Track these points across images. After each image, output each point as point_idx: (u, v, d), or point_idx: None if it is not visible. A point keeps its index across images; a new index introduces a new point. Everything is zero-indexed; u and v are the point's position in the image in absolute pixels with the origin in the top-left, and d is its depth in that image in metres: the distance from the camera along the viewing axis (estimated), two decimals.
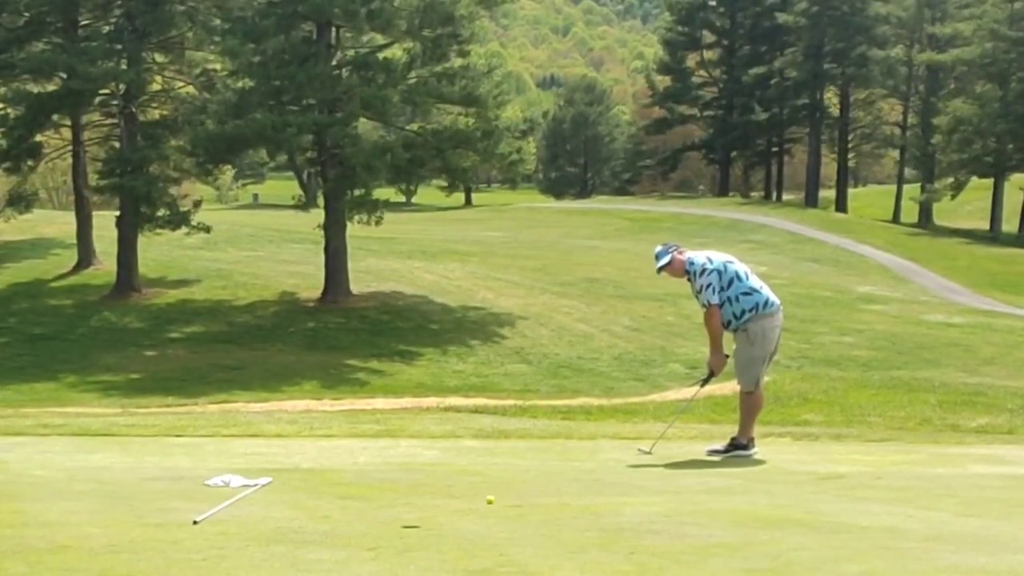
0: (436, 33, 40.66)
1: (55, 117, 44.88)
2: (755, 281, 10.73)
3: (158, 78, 46.98)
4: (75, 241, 46.83)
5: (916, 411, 23.00)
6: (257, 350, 37.00)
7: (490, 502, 7.41)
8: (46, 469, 9.33)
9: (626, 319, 41.01)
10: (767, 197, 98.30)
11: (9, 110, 44.09)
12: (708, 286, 10.51)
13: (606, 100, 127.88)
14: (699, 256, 10.75)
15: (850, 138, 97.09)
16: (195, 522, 6.89)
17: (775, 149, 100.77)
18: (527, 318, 40.46)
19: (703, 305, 10.60)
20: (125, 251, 43.49)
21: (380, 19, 39.80)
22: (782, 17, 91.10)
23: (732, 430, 11.18)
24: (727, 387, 28.46)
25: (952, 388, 27.79)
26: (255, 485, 8.26)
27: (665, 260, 10.71)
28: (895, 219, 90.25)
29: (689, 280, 10.72)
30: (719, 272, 10.56)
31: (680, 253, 10.79)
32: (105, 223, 45.24)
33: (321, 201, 44.82)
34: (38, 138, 45.24)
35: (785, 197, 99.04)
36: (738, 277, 10.60)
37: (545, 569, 5.75)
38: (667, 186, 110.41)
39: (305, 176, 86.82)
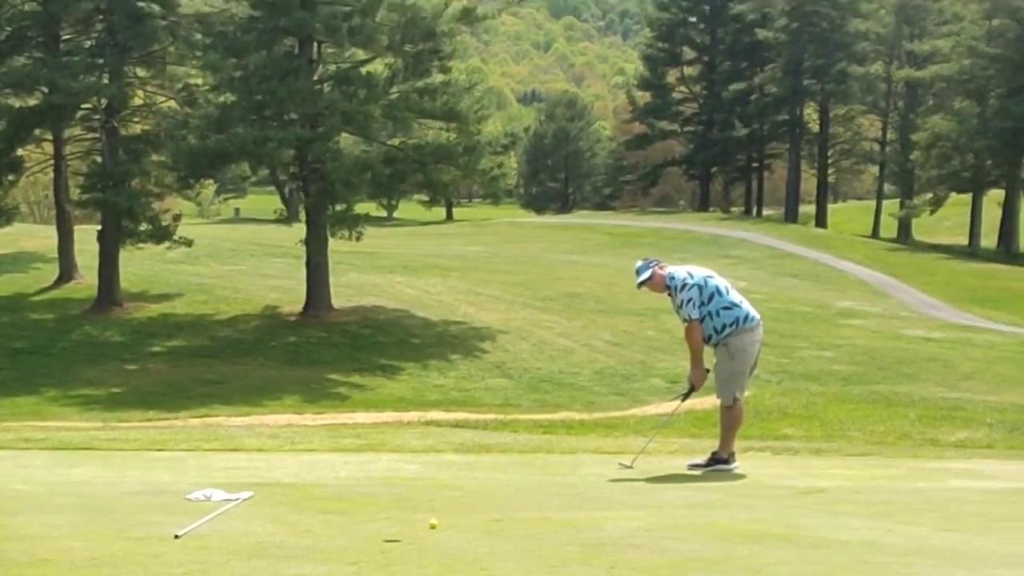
0: (417, 49, 40.69)
1: (37, 131, 44.72)
2: (735, 296, 10.79)
3: (140, 93, 46.85)
4: (56, 255, 46.64)
5: (896, 426, 23.03)
6: (238, 364, 36.92)
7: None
8: (27, 483, 9.31)
9: (607, 334, 41.06)
10: (747, 212, 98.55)
11: None
12: (689, 301, 10.53)
13: (587, 115, 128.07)
14: (679, 271, 10.80)
15: (830, 154, 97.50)
16: (176, 536, 6.89)
17: (755, 165, 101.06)
18: (508, 332, 40.47)
19: (684, 320, 10.62)
20: (107, 265, 43.35)
21: (361, 35, 39.84)
22: (762, 33, 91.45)
23: (713, 444, 11.21)
24: (707, 401, 28.50)
25: (931, 403, 27.83)
26: (236, 499, 8.26)
27: (646, 275, 10.74)
28: (874, 234, 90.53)
29: (670, 295, 10.74)
30: (699, 287, 10.60)
31: (661, 268, 10.81)
32: (86, 237, 45.12)
33: (303, 216, 44.78)
34: (20, 152, 45.07)
35: (765, 212, 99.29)
36: (718, 292, 10.65)
37: None
38: (648, 201, 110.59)
39: (287, 191, 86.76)
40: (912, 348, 40.49)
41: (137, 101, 46.62)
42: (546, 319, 42.97)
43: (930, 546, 6.91)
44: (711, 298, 10.58)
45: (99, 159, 44.68)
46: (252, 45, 40.09)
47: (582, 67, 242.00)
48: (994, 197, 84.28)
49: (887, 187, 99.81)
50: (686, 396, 11.29)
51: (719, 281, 10.78)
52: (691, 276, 10.68)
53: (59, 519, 7.49)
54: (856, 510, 8.46)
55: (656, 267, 10.79)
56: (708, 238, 71.83)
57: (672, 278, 10.68)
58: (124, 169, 43.10)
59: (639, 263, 10.91)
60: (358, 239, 41.95)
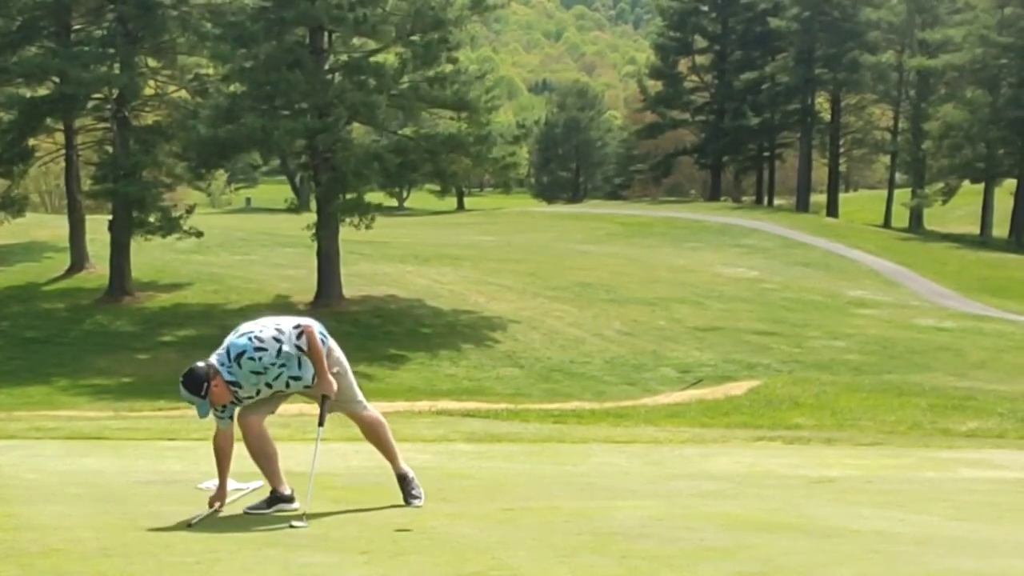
0: (426, 39, 40.63)
1: (48, 121, 44.82)
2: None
3: (151, 83, 46.88)
4: (68, 245, 46.72)
5: (907, 415, 23.04)
6: None
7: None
8: (38, 472, 9.33)
9: (618, 323, 41.03)
10: (759, 202, 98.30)
11: (2, 114, 44.01)
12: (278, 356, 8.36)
13: (598, 105, 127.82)
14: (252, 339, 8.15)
15: (841, 143, 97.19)
16: (188, 526, 6.91)
17: (766, 154, 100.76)
18: (519, 322, 40.47)
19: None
20: (118, 255, 43.41)
21: (367, 24, 39.80)
22: (774, 22, 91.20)
23: (722, 434, 11.20)
24: (719, 391, 28.55)
25: (942, 392, 27.83)
26: (247, 488, 8.27)
27: (205, 405, 7.71)
28: (886, 224, 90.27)
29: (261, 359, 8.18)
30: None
31: (216, 379, 7.78)
32: (98, 227, 45.19)
33: (314, 205, 44.80)
34: (31, 142, 45.16)
35: (776, 202, 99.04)
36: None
37: (537, 573, 5.77)
38: (659, 191, 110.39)
39: (298, 180, 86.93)
40: (923, 337, 40.43)
41: (148, 91, 46.62)
42: (557, 308, 42.95)
43: (941, 535, 6.90)
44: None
45: (110, 149, 44.73)
46: (261, 35, 40.11)
47: (593, 56, 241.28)
48: (1006, 187, 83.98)
49: (899, 176, 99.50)
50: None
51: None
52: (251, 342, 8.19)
53: (70, 509, 7.51)
54: (867, 499, 8.46)
55: (212, 384, 7.74)
56: (719, 227, 71.69)
57: (247, 354, 8.05)
58: (135, 159, 43.13)
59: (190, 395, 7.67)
60: (368, 227, 41.97)
